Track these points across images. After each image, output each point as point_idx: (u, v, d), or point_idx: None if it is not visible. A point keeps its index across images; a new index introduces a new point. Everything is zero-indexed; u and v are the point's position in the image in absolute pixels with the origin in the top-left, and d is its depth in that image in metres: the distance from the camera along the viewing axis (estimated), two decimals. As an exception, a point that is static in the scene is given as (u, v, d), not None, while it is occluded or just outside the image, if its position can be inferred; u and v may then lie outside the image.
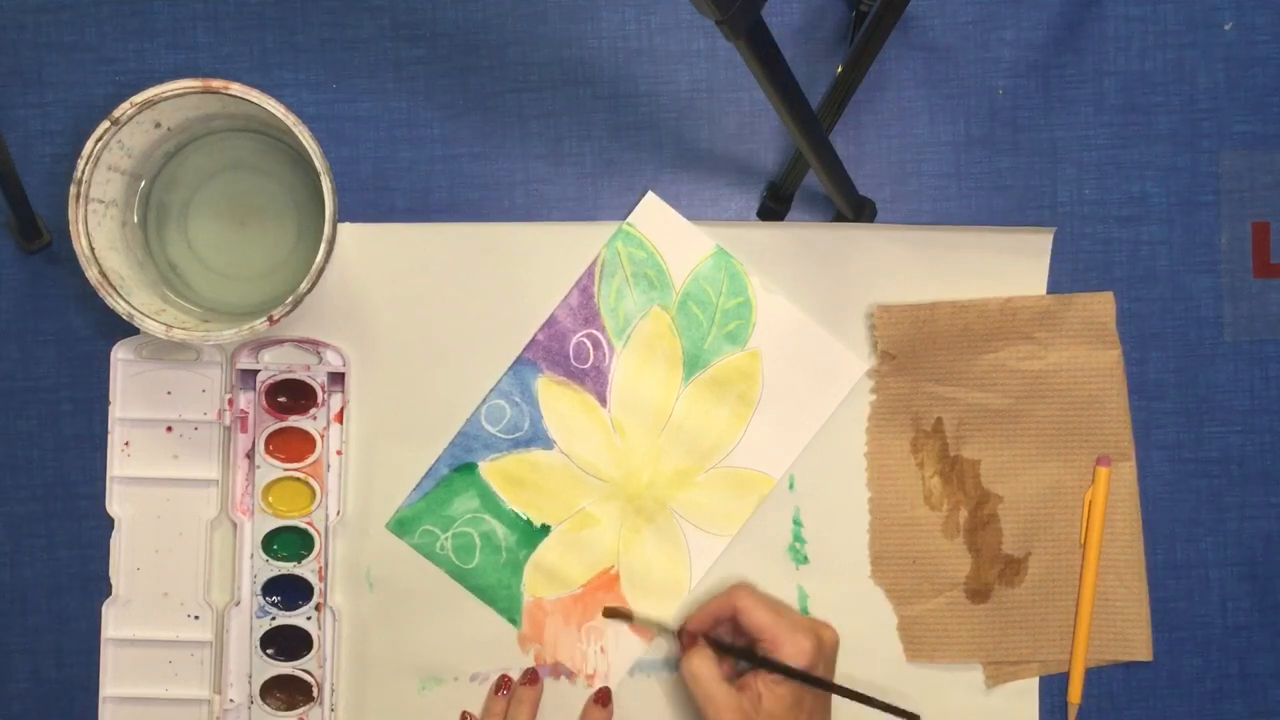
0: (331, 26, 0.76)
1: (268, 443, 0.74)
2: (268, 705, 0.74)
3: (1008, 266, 0.76)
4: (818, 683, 0.69)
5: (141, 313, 0.69)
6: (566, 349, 0.76)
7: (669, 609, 0.76)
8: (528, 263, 0.76)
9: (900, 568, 0.76)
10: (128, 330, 0.75)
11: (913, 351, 0.75)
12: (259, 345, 0.75)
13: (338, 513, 0.75)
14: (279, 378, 0.74)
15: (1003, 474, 0.76)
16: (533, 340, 0.76)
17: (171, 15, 0.76)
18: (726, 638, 0.72)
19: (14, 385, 0.76)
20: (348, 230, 0.75)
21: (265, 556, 0.74)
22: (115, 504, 0.76)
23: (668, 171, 0.77)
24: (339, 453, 0.75)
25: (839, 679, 0.74)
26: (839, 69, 0.69)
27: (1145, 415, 0.77)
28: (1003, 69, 0.77)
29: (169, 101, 0.69)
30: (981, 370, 0.76)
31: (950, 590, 0.76)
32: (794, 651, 0.68)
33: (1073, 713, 0.76)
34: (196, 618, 0.75)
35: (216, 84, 0.68)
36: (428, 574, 0.75)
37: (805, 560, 0.76)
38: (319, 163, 0.68)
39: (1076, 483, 0.77)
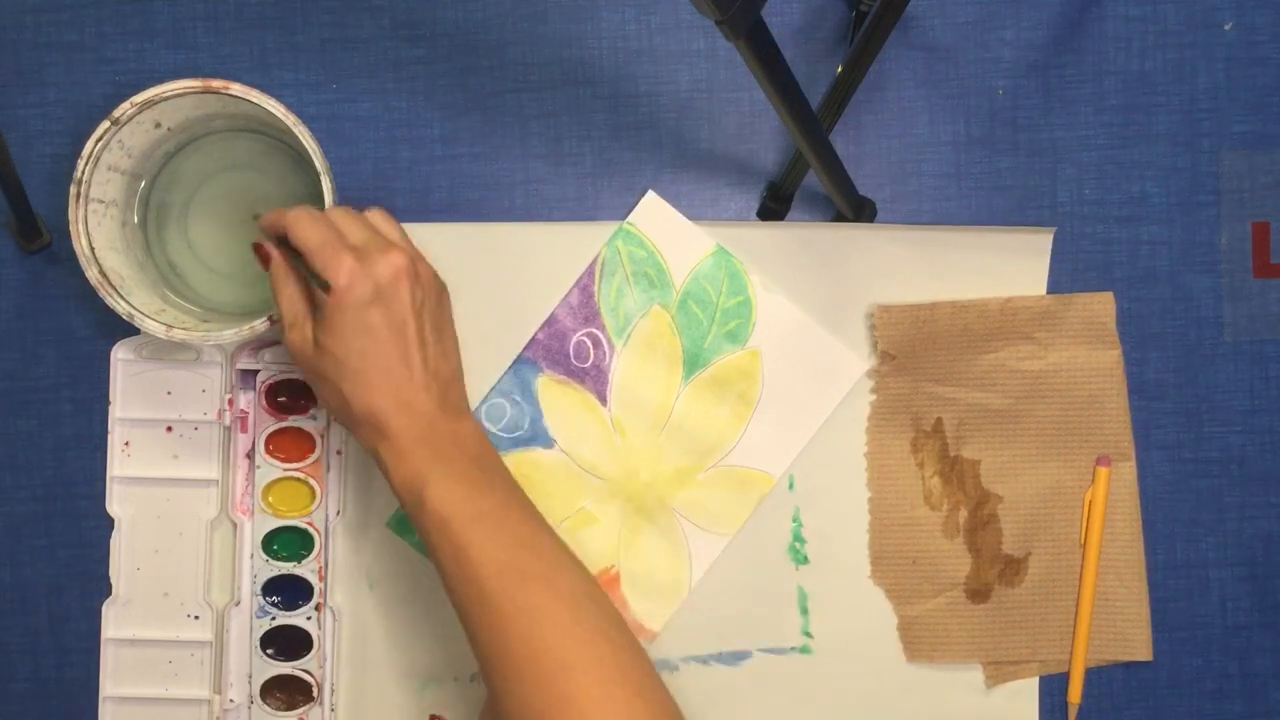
0: (331, 26, 0.77)
1: (268, 443, 0.74)
2: (268, 705, 0.74)
3: (1008, 266, 0.76)
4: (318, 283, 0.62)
5: (141, 313, 0.69)
6: (567, 348, 0.76)
7: (669, 609, 0.76)
8: (528, 263, 0.76)
9: (900, 568, 0.76)
10: (128, 330, 0.75)
11: (913, 351, 0.75)
12: (259, 345, 0.75)
13: (338, 513, 0.75)
14: (279, 377, 0.74)
15: (1003, 474, 0.76)
16: (533, 339, 0.76)
17: (171, 15, 0.76)
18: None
19: (14, 385, 0.76)
20: (348, 230, 0.75)
21: (265, 556, 0.74)
22: (115, 504, 0.76)
23: (668, 171, 0.77)
24: (339, 452, 0.75)
25: (835, 683, 0.74)
26: (839, 69, 0.69)
27: (1145, 415, 0.77)
28: (1003, 69, 0.77)
29: (169, 101, 0.69)
30: (981, 370, 0.76)
31: (950, 590, 0.76)
32: (336, 267, 0.62)
33: (1073, 713, 0.76)
34: (196, 618, 0.75)
35: (216, 84, 0.68)
36: (428, 574, 0.75)
37: (805, 560, 0.76)
38: (319, 163, 0.68)
39: (1076, 483, 0.77)
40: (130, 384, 0.75)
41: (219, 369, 0.75)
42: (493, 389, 0.76)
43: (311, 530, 0.74)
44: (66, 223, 0.68)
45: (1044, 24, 0.77)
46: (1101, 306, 0.76)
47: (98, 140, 0.68)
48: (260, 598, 0.74)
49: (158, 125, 0.71)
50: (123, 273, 0.71)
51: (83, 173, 0.68)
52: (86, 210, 0.69)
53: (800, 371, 0.76)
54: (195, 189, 0.75)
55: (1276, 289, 0.78)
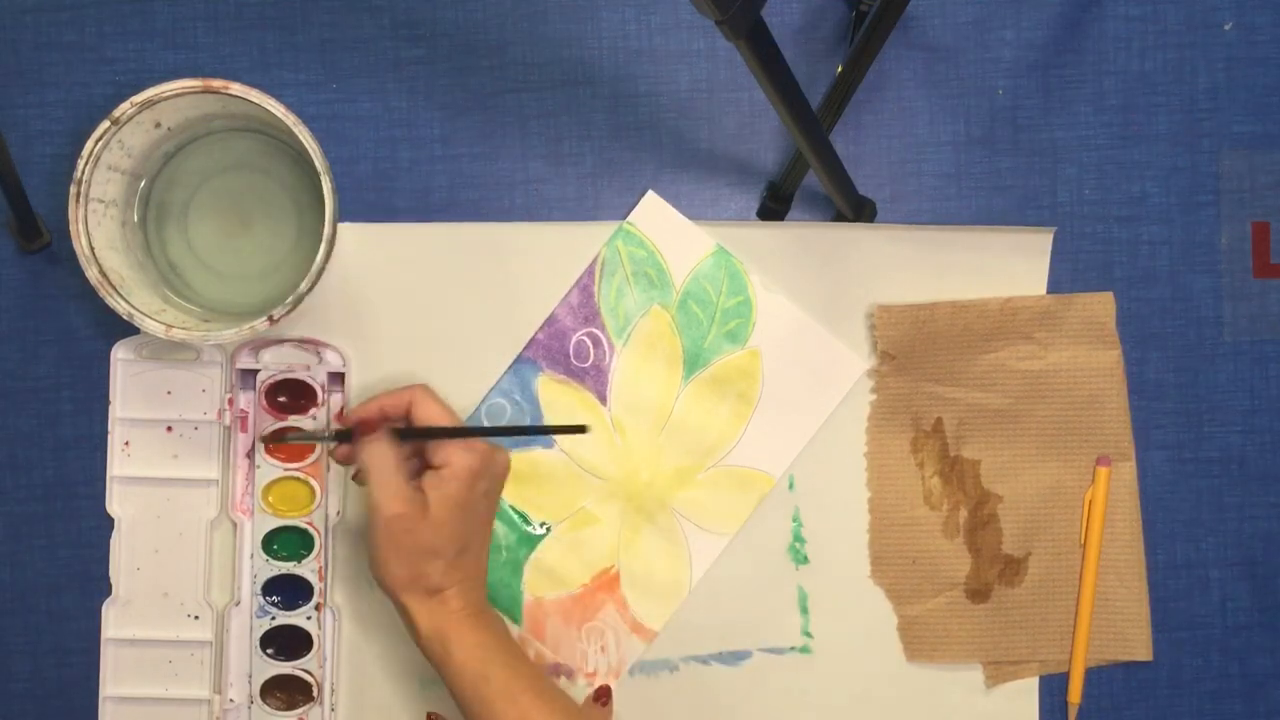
0: (331, 26, 0.76)
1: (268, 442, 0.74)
2: (268, 705, 0.74)
3: (1008, 266, 0.76)
4: (488, 431, 0.69)
5: (141, 313, 0.69)
6: (567, 348, 0.76)
7: (669, 608, 0.76)
8: (528, 262, 0.76)
9: (900, 568, 0.76)
10: (128, 330, 0.75)
11: (913, 351, 0.75)
12: (259, 345, 0.75)
13: (338, 512, 0.75)
14: (279, 377, 0.74)
15: (1003, 474, 0.76)
16: (533, 339, 0.76)
17: (171, 15, 0.76)
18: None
19: (14, 385, 0.76)
20: (348, 230, 0.75)
21: (265, 556, 0.74)
22: (115, 504, 0.76)
23: (668, 171, 0.77)
24: (339, 452, 0.75)
25: (835, 683, 0.74)
26: (839, 69, 0.69)
27: (1145, 415, 0.77)
28: (1003, 69, 0.77)
29: (169, 101, 0.69)
30: (981, 370, 0.76)
31: (950, 590, 0.76)
32: (463, 453, 0.67)
33: (1073, 713, 0.76)
34: (196, 618, 0.75)
35: (216, 84, 0.68)
36: (428, 574, 0.75)
37: (805, 560, 0.76)
38: (319, 163, 0.68)
39: (1076, 483, 0.77)
40: (130, 384, 0.75)
41: (219, 369, 0.75)
42: (493, 389, 0.76)
43: (311, 530, 0.74)
44: (66, 223, 0.68)
45: (1044, 24, 0.77)
46: (1101, 306, 0.76)
47: (98, 140, 0.68)
48: (260, 597, 0.74)
49: (158, 125, 0.71)
50: (123, 273, 0.71)
51: (83, 173, 0.68)
52: (86, 210, 0.69)
53: (800, 371, 0.76)
54: (195, 189, 0.75)
55: (1276, 289, 0.78)
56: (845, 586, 0.76)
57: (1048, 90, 0.77)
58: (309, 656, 0.74)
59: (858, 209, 0.75)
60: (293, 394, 0.75)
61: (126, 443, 0.76)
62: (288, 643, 0.75)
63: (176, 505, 0.75)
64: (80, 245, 0.69)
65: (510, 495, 0.76)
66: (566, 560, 0.76)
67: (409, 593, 0.67)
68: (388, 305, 0.76)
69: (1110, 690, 0.77)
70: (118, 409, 0.75)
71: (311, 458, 0.74)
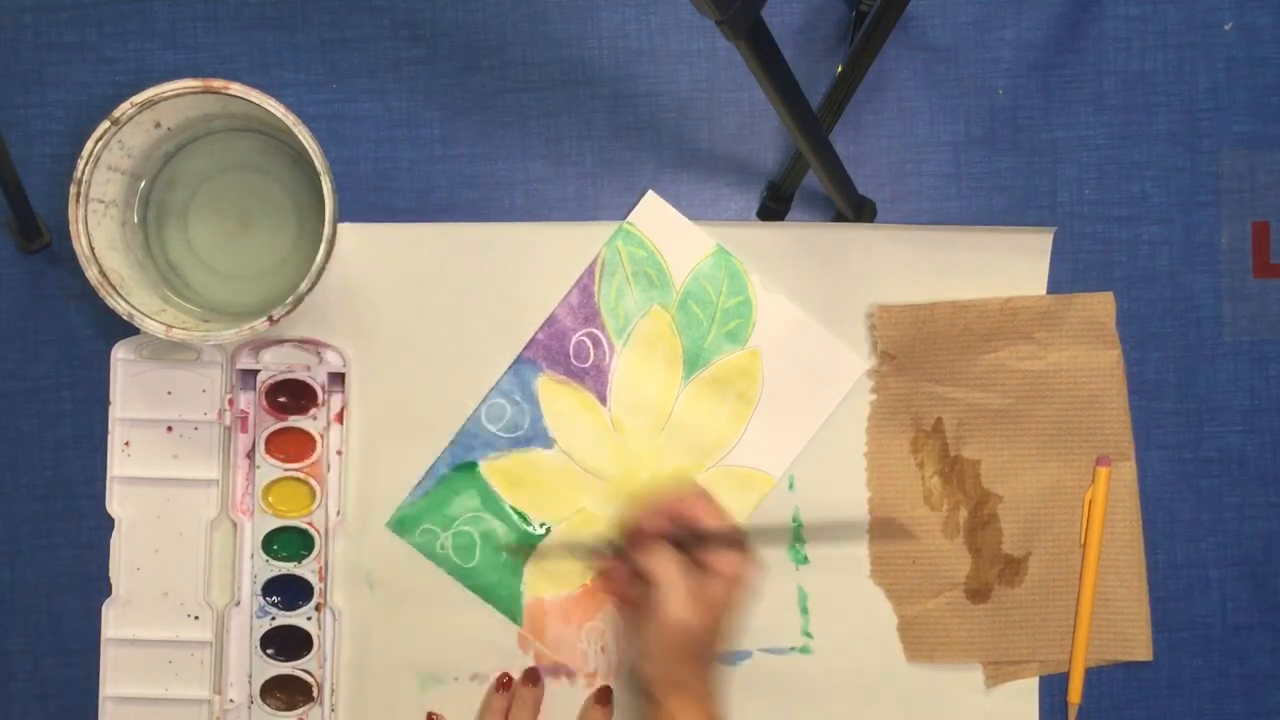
0: (331, 26, 0.76)
1: (268, 443, 0.74)
2: (268, 705, 0.74)
3: (1008, 266, 0.76)
4: (784, 536, 0.69)
5: (141, 313, 0.69)
6: (567, 348, 0.76)
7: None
8: (528, 262, 0.76)
9: (900, 568, 0.76)
10: (128, 330, 0.75)
11: (913, 351, 0.75)
12: (259, 345, 0.75)
13: (338, 513, 0.75)
14: (279, 378, 0.74)
15: (1003, 474, 0.76)
16: (533, 339, 0.76)
17: (171, 15, 0.76)
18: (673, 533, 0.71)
19: (14, 385, 0.76)
20: (348, 230, 0.75)
21: (265, 556, 0.74)
22: (115, 504, 0.76)
23: (668, 171, 0.77)
24: (339, 453, 0.75)
25: (835, 683, 0.74)
26: (839, 69, 0.69)
27: (1145, 415, 0.77)
28: (1003, 69, 0.77)
29: (169, 101, 0.69)
30: (981, 370, 0.76)
31: (950, 590, 0.76)
32: (737, 557, 0.68)
33: (1073, 713, 0.76)
34: (196, 618, 0.75)
35: (216, 84, 0.68)
36: (428, 573, 0.75)
37: (805, 560, 0.76)
38: (319, 163, 0.68)
39: (1076, 483, 0.77)
40: (130, 384, 0.75)
41: (219, 369, 0.75)
42: (493, 389, 0.76)
43: (311, 530, 0.74)
44: (66, 223, 0.68)
45: (1044, 24, 0.77)
46: (1101, 306, 0.76)
47: (98, 140, 0.68)
48: (260, 598, 0.74)
49: (158, 125, 0.71)
50: (123, 273, 0.71)
51: (83, 173, 0.68)
52: (86, 210, 0.69)
53: (800, 371, 0.76)
54: (195, 189, 0.75)
55: (1276, 289, 0.78)
56: (845, 586, 0.76)
57: (1048, 90, 0.77)
58: (309, 657, 0.74)
59: (858, 209, 0.75)
60: (293, 394, 0.75)
61: (126, 443, 0.76)
62: (288, 643, 0.75)
63: (176, 505, 0.75)
64: (80, 245, 0.69)
65: (510, 495, 0.76)
66: (567, 560, 0.76)
67: (678, 695, 0.67)
68: (388, 305, 0.76)
69: (1110, 690, 0.77)
70: (118, 409, 0.75)
71: (311, 458, 0.74)
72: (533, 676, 0.75)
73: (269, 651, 0.74)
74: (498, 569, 0.76)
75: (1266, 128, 0.77)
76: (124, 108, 0.68)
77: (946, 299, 0.75)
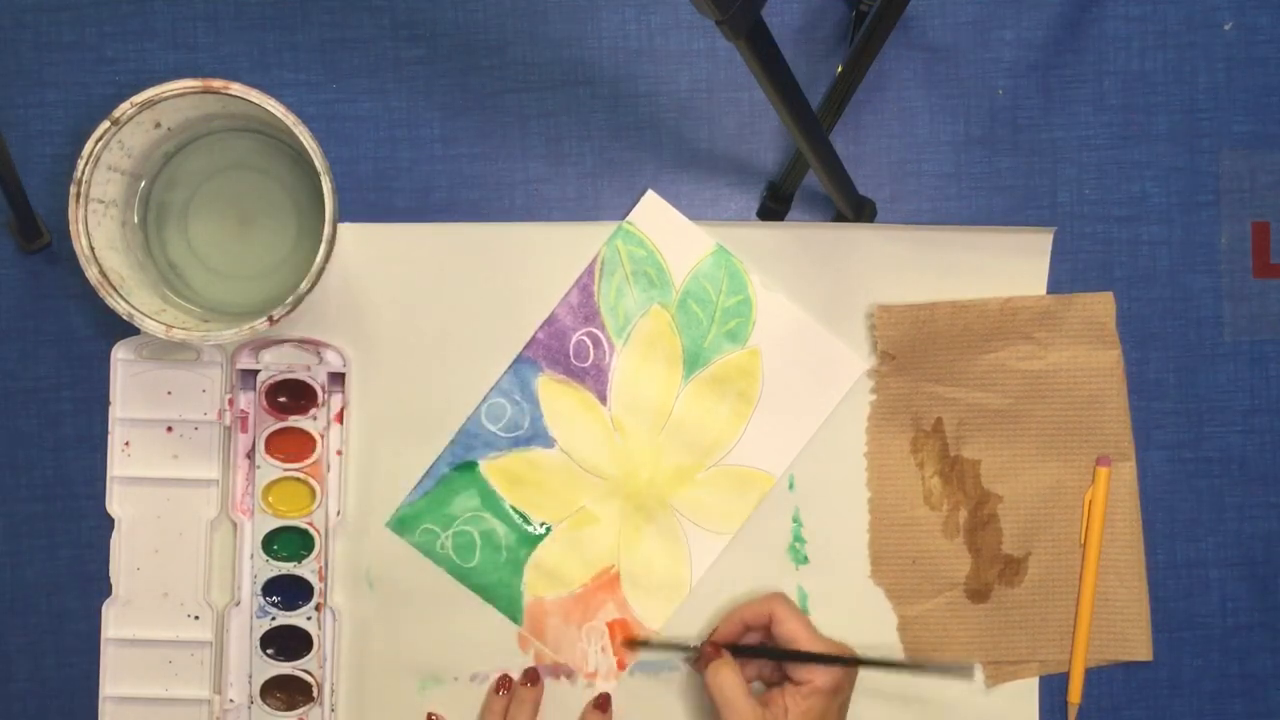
0: (331, 26, 0.77)
1: (268, 443, 0.74)
2: (268, 705, 0.74)
3: (1008, 266, 0.76)
4: (856, 662, 0.69)
5: (141, 313, 0.69)
6: (567, 347, 0.76)
7: (669, 608, 0.76)
8: (528, 262, 0.76)
9: (900, 568, 0.76)
10: (128, 330, 0.75)
11: (913, 351, 0.75)
12: (259, 345, 0.75)
13: (338, 513, 0.75)
14: (279, 378, 0.74)
15: (1003, 474, 0.76)
16: (533, 339, 0.76)
17: (171, 15, 0.76)
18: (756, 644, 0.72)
19: (14, 385, 0.76)
20: (348, 230, 0.75)
21: (265, 556, 0.74)
22: (115, 504, 0.76)
23: (668, 171, 0.77)
24: (339, 453, 0.75)
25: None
26: (839, 69, 0.69)
27: (1145, 415, 0.77)
28: (1003, 69, 0.77)
29: (169, 101, 0.69)
30: (981, 370, 0.76)
31: (950, 590, 0.76)
32: (825, 668, 0.69)
33: (1073, 713, 0.76)
34: (196, 618, 0.75)
35: (216, 84, 0.68)
36: (428, 573, 0.75)
37: (805, 560, 0.76)
38: (319, 163, 0.68)
39: (1076, 483, 0.77)
40: (130, 384, 0.75)
41: (219, 369, 0.75)
42: (493, 388, 0.76)
43: (311, 530, 0.74)
44: (66, 223, 0.68)
45: (1044, 24, 0.77)
46: (1101, 306, 0.76)
47: (98, 140, 0.68)
48: (260, 598, 0.74)
49: (158, 125, 0.71)
50: (123, 273, 0.71)
51: (83, 173, 0.68)
52: (86, 210, 0.69)
53: (800, 371, 0.76)
54: (195, 189, 0.75)
55: (1276, 289, 0.78)
56: (845, 586, 0.76)
57: (1048, 90, 0.77)
58: (309, 657, 0.74)
59: (858, 209, 0.75)
60: (293, 394, 0.75)
61: (126, 443, 0.76)
62: (288, 643, 0.75)
63: (176, 505, 0.75)
64: (80, 245, 0.69)
65: (510, 495, 0.76)
66: (567, 560, 0.76)
67: None
68: (388, 305, 0.76)
69: (1110, 690, 0.77)
70: (118, 409, 0.75)
71: (311, 458, 0.74)
72: (532, 676, 0.75)
73: (269, 651, 0.74)
74: (498, 569, 0.76)
75: (1266, 128, 0.77)
76: (124, 108, 0.68)
77: (946, 299, 0.75)
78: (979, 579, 0.76)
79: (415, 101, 0.77)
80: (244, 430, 0.75)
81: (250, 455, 0.75)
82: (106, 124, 0.68)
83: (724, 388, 0.76)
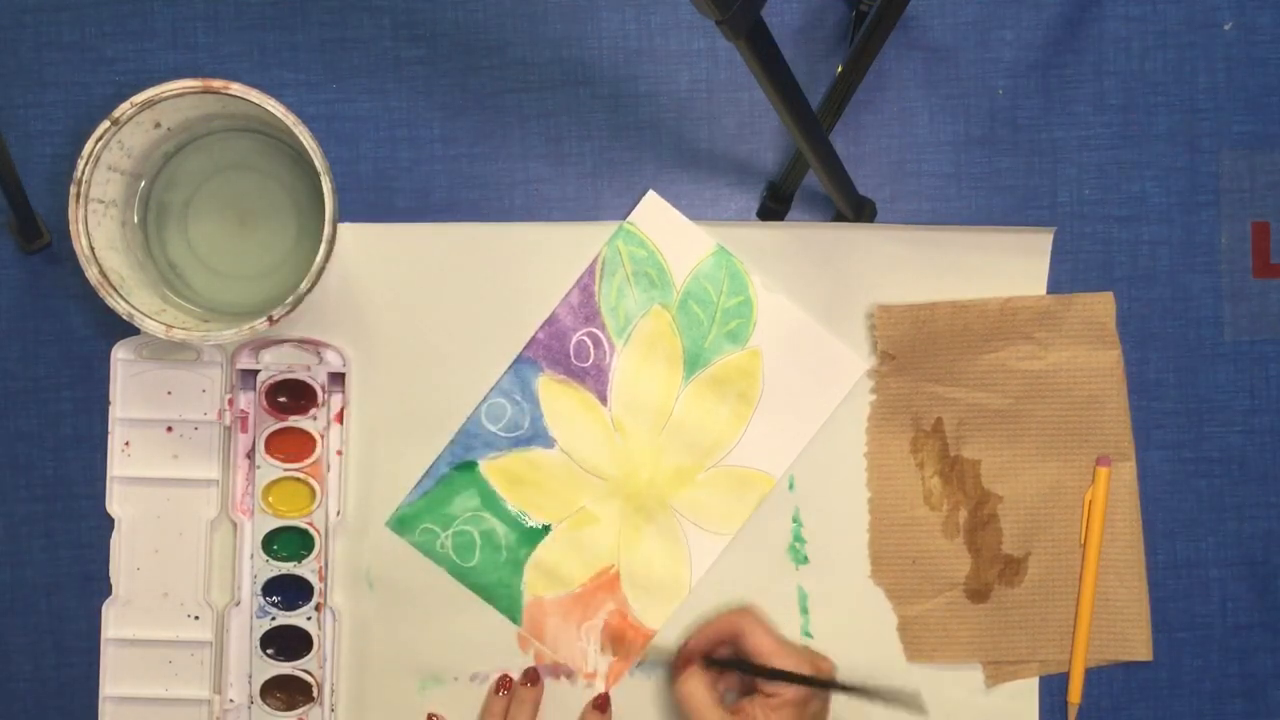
0: (331, 26, 0.77)
1: (268, 443, 0.74)
2: (268, 705, 0.74)
3: (1008, 266, 0.76)
4: (821, 684, 0.69)
5: (141, 313, 0.69)
6: (567, 347, 0.76)
7: (669, 608, 0.76)
8: (528, 262, 0.76)
9: (900, 568, 0.76)
10: (128, 330, 0.75)
11: (913, 351, 0.75)
12: (259, 345, 0.75)
13: (338, 513, 0.75)
14: (279, 378, 0.74)
15: (1003, 474, 0.76)
16: (533, 339, 0.76)
17: (171, 15, 0.76)
18: (726, 657, 0.72)
19: (14, 385, 0.76)
20: (348, 230, 0.75)
21: (265, 556, 0.74)
22: (115, 504, 0.76)
23: (668, 171, 0.77)
24: (339, 453, 0.75)
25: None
26: (839, 69, 0.69)
27: (1145, 415, 0.77)
28: (1003, 69, 0.77)
29: (169, 101, 0.69)
30: (981, 370, 0.76)
31: (950, 590, 0.76)
32: (788, 675, 0.69)
33: (1073, 713, 0.76)
34: (196, 618, 0.75)
35: (216, 84, 0.68)
36: (428, 573, 0.75)
37: (805, 560, 0.76)
38: (319, 163, 0.68)
39: (1076, 483, 0.77)
40: (130, 384, 0.75)
41: (219, 369, 0.75)
42: (493, 389, 0.76)
43: (311, 530, 0.74)
44: (66, 223, 0.68)
45: (1044, 24, 0.77)
46: (1101, 306, 0.76)
47: (98, 140, 0.68)
48: (260, 598, 0.74)
49: (158, 125, 0.71)
50: (123, 273, 0.71)
51: (83, 173, 0.68)
52: (86, 210, 0.69)
53: (801, 371, 0.76)
54: (195, 189, 0.75)
55: (1276, 289, 0.78)
56: (845, 586, 0.76)
57: (1048, 90, 0.77)
58: (309, 657, 0.74)
59: (858, 209, 0.75)
60: (293, 394, 0.75)
61: (126, 443, 0.76)
62: (288, 643, 0.75)
63: (176, 505, 0.75)
64: (80, 245, 0.69)
65: (510, 495, 0.76)
66: (566, 560, 0.76)
67: None
68: (388, 305, 0.76)
69: (1110, 690, 0.77)
70: (118, 409, 0.75)
71: (311, 458, 0.74)
72: (531, 676, 0.75)
73: (269, 651, 0.74)
74: (498, 569, 0.76)
75: (1266, 128, 0.77)
76: (124, 108, 0.68)
77: (946, 299, 0.75)
78: (979, 579, 0.76)
79: (415, 101, 0.77)
80: (244, 430, 0.75)
81: (250, 455, 0.75)
82: (106, 124, 0.68)
83: (724, 388, 0.76)
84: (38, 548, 0.76)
